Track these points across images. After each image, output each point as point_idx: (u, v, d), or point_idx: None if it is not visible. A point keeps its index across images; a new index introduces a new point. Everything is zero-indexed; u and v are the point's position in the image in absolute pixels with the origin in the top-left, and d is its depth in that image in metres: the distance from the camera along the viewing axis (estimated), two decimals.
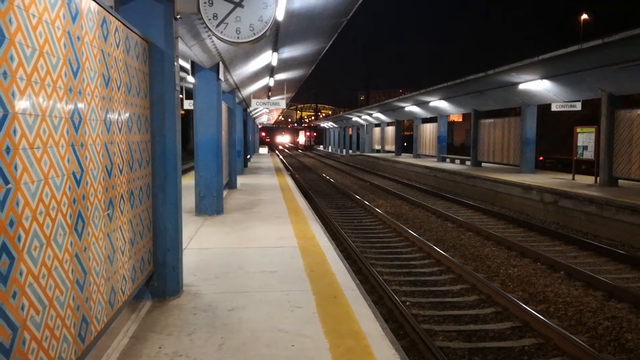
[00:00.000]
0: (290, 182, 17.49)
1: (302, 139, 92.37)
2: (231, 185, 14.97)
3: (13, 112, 2.19)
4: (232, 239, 7.84)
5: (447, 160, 26.29)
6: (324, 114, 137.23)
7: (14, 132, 2.19)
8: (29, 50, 2.34)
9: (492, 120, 21.62)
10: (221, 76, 10.12)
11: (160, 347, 3.81)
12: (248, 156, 27.37)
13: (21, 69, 2.26)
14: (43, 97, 2.48)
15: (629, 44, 10.90)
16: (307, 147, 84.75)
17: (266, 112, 37.38)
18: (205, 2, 4.81)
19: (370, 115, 40.05)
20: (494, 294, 6.81)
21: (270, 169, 24.38)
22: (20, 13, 2.26)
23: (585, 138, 15.45)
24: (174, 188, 4.94)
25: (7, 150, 2.14)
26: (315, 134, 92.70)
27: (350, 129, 54.81)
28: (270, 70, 15.21)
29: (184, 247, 6.09)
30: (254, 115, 34.78)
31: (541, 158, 28.68)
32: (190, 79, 10.39)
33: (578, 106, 16.96)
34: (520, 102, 18.56)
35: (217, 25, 4.81)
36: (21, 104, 2.26)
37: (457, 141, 51.99)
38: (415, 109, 28.46)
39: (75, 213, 2.87)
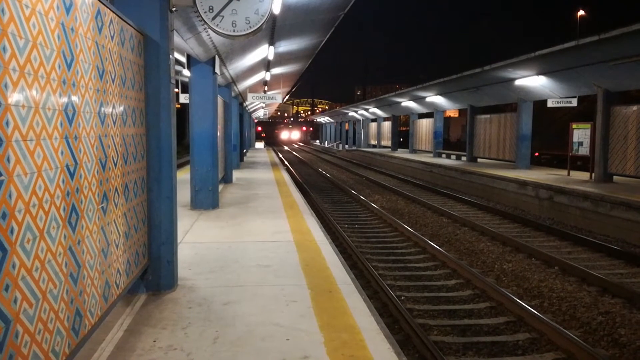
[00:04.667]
0: (286, 176, 17.48)
1: (298, 134, 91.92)
2: (227, 179, 14.95)
3: (5, 104, 2.17)
4: (228, 233, 7.84)
5: (443, 155, 26.33)
6: (320, 109, 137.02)
7: (7, 124, 2.18)
8: (22, 41, 2.32)
9: (488, 116, 21.64)
10: (217, 70, 10.08)
11: (154, 341, 3.80)
12: (244, 150, 27.32)
13: (14, 60, 2.24)
14: (36, 89, 2.46)
15: (625, 40, 10.92)
16: (304, 142, 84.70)
17: (262, 107, 37.30)
18: None
19: (366, 110, 40.04)
20: (488, 288, 6.83)
21: (266, 163, 24.35)
22: (13, 3, 2.23)
23: (580, 134, 15.50)
24: (169, 182, 4.93)
25: (0, 142, 2.12)
26: (311, 128, 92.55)
27: (347, 124, 54.78)
28: (266, 64, 15.16)
29: (179, 241, 6.08)
30: (250, 110, 34.70)
31: (537, 154, 28.74)
32: (186, 72, 10.34)
33: (574, 102, 16.98)
34: (516, 98, 18.58)
35: (213, 18, 4.77)
36: (14, 96, 2.24)
37: (453, 137, 52.04)
38: (411, 104, 28.46)
39: (69, 206, 2.85)
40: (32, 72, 2.42)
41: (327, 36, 12.90)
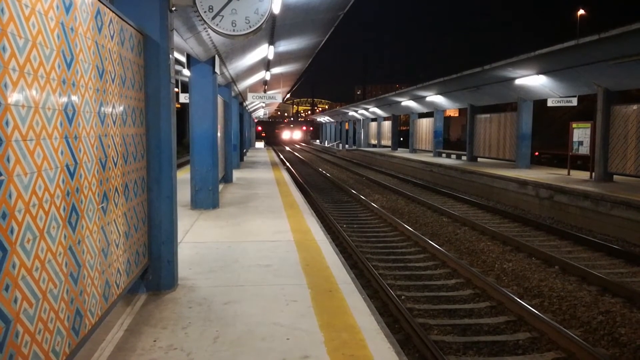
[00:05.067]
0: (286, 176, 17.48)
1: (299, 134, 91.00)
2: (227, 179, 14.94)
3: (5, 104, 2.16)
4: (228, 233, 7.84)
5: (443, 155, 26.32)
6: (320, 109, 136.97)
7: (7, 123, 2.17)
8: (21, 41, 2.31)
9: (488, 115, 21.63)
10: (217, 69, 10.08)
11: (155, 341, 3.80)
12: (244, 150, 27.31)
13: (14, 60, 2.24)
14: (36, 89, 2.46)
15: (625, 39, 10.92)
16: (305, 142, 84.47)
17: (263, 106, 37.30)
18: None
19: (366, 109, 40.03)
20: (488, 288, 6.83)
21: (266, 163, 24.34)
22: (13, 3, 2.23)
23: (580, 133, 15.49)
24: (169, 181, 4.93)
25: (0, 142, 2.12)
26: (311, 128, 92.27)
27: (347, 124, 54.76)
28: (266, 64, 15.16)
29: (179, 240, 6.08)
30: (250, 109, 34.70)
31: (537, 153, 28.72)
32: (186, 72, 10.33)
33: (574, 102, 16.99)
34: (516, 97, 18.57)
35: (213, 18, 4.77)
36: (14, 96, 2.24)
37: (453, 136, 51.99)
38: (411, 103, 28.45)
39: (69, 206, 2.85)
40: (32, 71, 2.42)
41: (327, 36, 12.89)
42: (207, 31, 7.65)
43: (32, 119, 2.41)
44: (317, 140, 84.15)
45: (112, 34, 3.70)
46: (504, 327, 5.75)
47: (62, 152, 2.76)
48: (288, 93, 36.01)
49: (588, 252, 9.20)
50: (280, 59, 15.01)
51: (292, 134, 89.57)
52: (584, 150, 15.38)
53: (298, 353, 3.62)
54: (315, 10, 9.67)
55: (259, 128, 78.31)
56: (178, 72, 14.76)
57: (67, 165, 2.83)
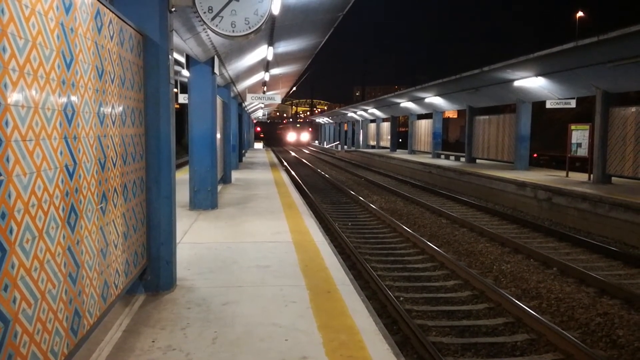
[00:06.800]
0: (285, 177, 17.48)
1: (306, 136, 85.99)
2: (226, 180, 14.94)
3: (5, 104, 2.17)
4: (227, 233, 7.83)
5: (442, 156, 26.34)
6: (319, 110, 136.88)
7: (6, 124, 2.18)
8: (21, 41, 2.32)
9: (487, 116, 21.66)
10: (216, 70, 10.08)
11: (153, 341, 3.80)
12: (243, 151, 27.31)
13: (13, 61, 2.24)
14: (36, 89, 2.46)
15: (624, 41, 10.94)
16: (306, 143, 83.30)
17: (262, 107, 37.29)
18: None
19: (365, 111, 40.06)
20: (487, 289, 6.84)
21: (265, 164, 24.34)
22: (13, 3, 2.23)
23: (579, 135, 15.52)
24: (168, 182, 4.92)
25: None
26: (310, 129, 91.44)
27: (346, 125, 54.79)
28: (265, 65, 15.16)
29: (178, 241, 6.07)
30: (250, 110, 34.69)
31: (535, 155, 28.77)
32: (185, 72, 10.33)
33: (573, 103, 17.00)
34: (515, 99, 18.60)
35: (212, 19, 4.77)
36: (13, 96, 2.24)
37: (452, 138, 52.01)
38: (410, 105, 28.48)
39: (68, 206, 2.85)
40: (32, 72, 2.42)
41: (327, 37, 12.90)
42: (206, 32, 7.65)
43: (31, 119, 2.41)
44: (316, 141, 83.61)
45: (111, 35, 3.71)
46: (502, 329, 5.76)
47: (61, 153, 2.76)
48: (287, 94, 36.02)
49: (586, 254, 9.22)
50: (280, 59, 15.01)
51: (298, 136, 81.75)
52: (583, 152, 15.40)
53: (297, 354, 3.62)
54: (314, 12, 9.68)
55: (258, 129, 77.42)
56: (177, 73, 14.77)
57: (66, 166, 2.83)
